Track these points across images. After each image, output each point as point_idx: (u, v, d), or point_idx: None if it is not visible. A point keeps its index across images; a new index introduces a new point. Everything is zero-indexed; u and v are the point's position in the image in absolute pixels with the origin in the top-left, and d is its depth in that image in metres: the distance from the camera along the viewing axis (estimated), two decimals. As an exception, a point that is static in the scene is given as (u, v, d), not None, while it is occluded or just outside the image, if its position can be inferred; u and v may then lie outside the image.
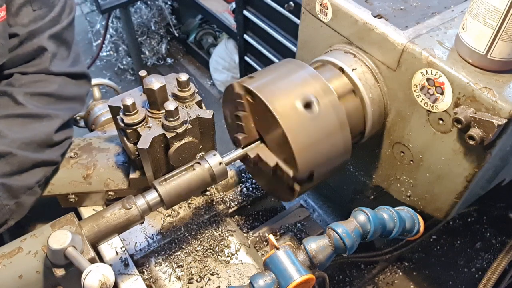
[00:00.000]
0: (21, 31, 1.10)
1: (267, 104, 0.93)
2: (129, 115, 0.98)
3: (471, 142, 0.86)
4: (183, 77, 1.01)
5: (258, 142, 1.05)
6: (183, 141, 1.01)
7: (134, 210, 0.91)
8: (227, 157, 1.01)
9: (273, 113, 0.92)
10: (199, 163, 0.97)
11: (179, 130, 0.98)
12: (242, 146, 1.03)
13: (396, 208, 0.94)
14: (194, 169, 0.97)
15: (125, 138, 1.02)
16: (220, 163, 0.98)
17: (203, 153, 1.04)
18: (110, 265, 1.06)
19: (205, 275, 1.08)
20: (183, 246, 1.13)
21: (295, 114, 0.94)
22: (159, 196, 0.93)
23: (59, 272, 0.80)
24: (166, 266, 1.10)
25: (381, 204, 0.95)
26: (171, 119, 0.96)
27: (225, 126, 1.15)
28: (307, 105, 0.95)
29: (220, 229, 1.17)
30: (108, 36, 4.39)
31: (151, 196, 0.93)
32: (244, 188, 1.34)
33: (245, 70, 3.47)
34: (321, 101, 0.97)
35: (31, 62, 1.15)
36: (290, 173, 0.98)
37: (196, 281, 1.07)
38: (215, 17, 3.62)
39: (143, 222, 0.95)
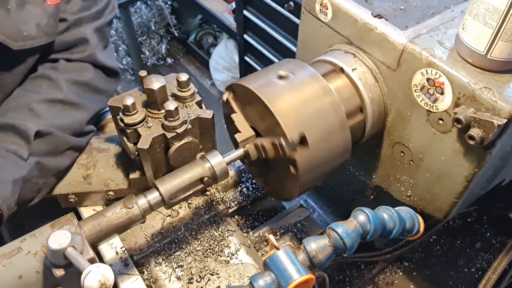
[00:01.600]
0: (69, 17, 1.19)
1: (244, 84, 0.96)
2: (129, 115, 0.98)
3: (471, 142, 0.86)
4: (183, 77, 1.01)
5: (254, 135, 1.05)
6: (183, 141, 1.01)
7: (136, 210, 0.91)
8: (227, 157, 1.01)
9: (250, 88, 0.96)
10: (201, 163, 0.98)
11: (179, 130, 0.98)
12: (239, 143, 1.04)
13: (396, 208, 0.94)
14: (196, 169, 0.97)
15: (125, 138, 1.02)
16: (222, 163, 0.98)
17: (203, 153, 1.04)
18: (110, 265, 1.06)
19: (205, 275, 1.08)
20: (183, 246, 1.13)
21: (272, 85, 0.98)
22: (160, 195, 0.93)
23: (59, 272, 0.80)
24: (166, 266, 1.10)
25: (381, 204, 0.95)
26: (171, 119, 0.96)
27: (225, 126, 1.15)
28: (281, 77, 0.99)
29: (220, 229, 1.17)
30: (108, 36, 4.38)
31: (153, 196, 0.93)
32: (244, 188, 1.34)
33: (245, 70, 3.47)
34: (296, 73, 1.01)
35: (74, 49, 1.22)
36: (282, 141, 0.97)
37: (196, 281, 1.07)
38: (215, 17, 3.62)
39: (144, 222, 0.95)
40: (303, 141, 0.96)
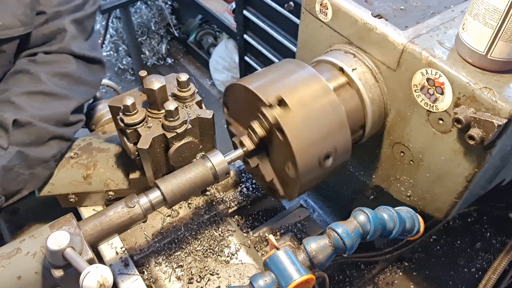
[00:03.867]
0: (48, 10, 1.18)
1: (294, 151, 0.94)
2: (129, 115, 0.98)
3: (471, 142, 0.86)
4: (183, 77, 1.01)
5: (263, 152, 1.06)
6: (183, 141, 1.00)
7: (137, 209, 0.91)
8: (227, 156, 1.01)
9: (296, 159, 0.94)
10: (202, 163, 0.98)
11: (179, 130, 0.98)
12: (236, 142, 1.04)
13: (396, 208, 0.94)
14: (197, 168, 0.97)
15: (125, 138, 1.02)
16: (223, 162, 0.98)
17: (203, 153, 1.04)
18: (110, 265, 1.06)
19: (205, 275, 1.08)
20: (183, 246, 1.13)
21: (313, 166, 0.99)
22: (162, 194, 0.93)
23: (58, 273, 0.80)
24: (166, 266, 1.10)
25: (381, 204, 0.95)
26: (171, 119, 0.96)
27: (225, 126, 1.15)
28: (326, 157, 0.99)
29: (220, 229, 1.17)
30: (108, 36, 4.39)
31: (154, 195, 0.93)
32: (244, 188, 1.34)
33: (245, 70, 3.47)
34: (338, 152, 1.01)
35: (53, 41, 1.22)
36: (281, 193, 1.06)
37: (196, 281, 1.07)
38: (215, 17, 3.62)
39: (145, 221, 0.95)
40: (281, 102, 0.96)
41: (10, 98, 1.12)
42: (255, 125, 1.00)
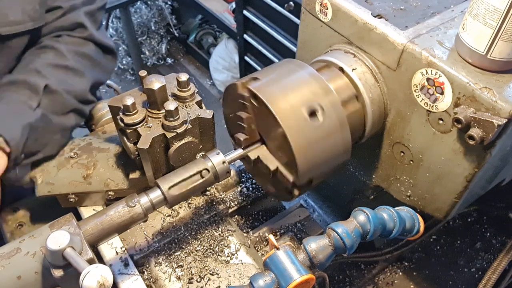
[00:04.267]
0: (64, 4, 1.27)
1: (274, 112, 0.92)
2: (129, 115, 0.98)
3: (471, 142, 0.86)
4: (183, 77, 1.01)
5: (259, 143, 1.05)
6: (183, 141, 1.00)
7: (138, 208, 0.91)
8: (227, 156, 1.01)
9: (279, 121, 0.92)
10: (203, 162, 0.98)
11: (179, 130, 0.98)
12: (243, 146, 1.04)
13: (396, 208, 0.94)
14: (198, 167, 0.97)
15: (125, 138, 1.02)
16: (224, 162, 0.98)
17: (203, 153, 1.04)
18: (110, 265, 1.06)
19: (205, 275, 1.08)
20: (183, 246, 1.13)
21: (300, 122, 0.94)
22: (163, 194, 0.93)
23: (58, 273, 0.80)
24: (166, 266, 1.10)
25: (381, 204, 0.95)
26: (171, 119, 0.96)
27: (225, 126, 1.15)
28: (312, 114, 0.96)
29: (220, 229, 1.17)
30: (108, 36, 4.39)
31: (155, 195, 0.93)
32: (244, 188, 1.34)
33: (245, 70, 3.47)
34: (326, 109, 0.96)
35: (74, 32, 1.31)
36: (290, 178, 0.99)
37: (196, 281, 1.07)
38: (215, 17, 3.62)
39: (146, 221, 0.95)
40: (309, 182, 0.98)
41: (37, 68, 1.20)
42: (240, 113, 1.01)
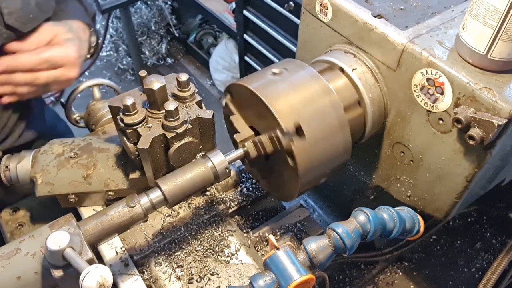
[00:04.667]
0: None
1: (242, 83, 0.97)
2: (129, 115, 0.97)
3: (471, 142, 0.86)
4: (183, 77, 1.01)
5: (253, 135, 1.05)
6: (183, 141, 1.00)
7: (138, 208, 0.91)
8: (227, 156, 1.01)
9: (248, 87, 0.96)
10: (203, 162, 0.98)
11: (179, 130, 0.97)
12: (238, 143, 1.04)
13: (396, 208, 0.94)
14: (198, 169, 0.97)
15: (125, 138, 1.02)
16: (224, 162, 0.98)
17: (203, 153, 1.04)
18: (110, 265, 1.06)
19: (205, 275, 1.08)
20: (183, 246, 1.13)
21: (266, 81, 0.99)
22: (163, 194, 0.93)
23: (58, 273, 0.80)
24: (166, 266, 1.10)
25: (381, 204, 0.95)
26: (171, 119, 0.96)
27: (225, 126, 1.15)
28: (275, 74, 1.00)
29: (220, 229, 1.17)
30: (108, 36, 4.39)
31: (155, 195, 0.93)
32: (244, 188, 1.34)
33: (245, 70, 3.47)
34: (290, 69, 1.02)
35: None
36: (278, 132, 0.96)
37: (196, 281, 1.07)
38: (215, 17, 3.62)
39: (146, 221, 0.95)
40: (299, 131, 0.96)
41: None
42: (265, 141, 1.00)
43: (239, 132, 1.05)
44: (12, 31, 1.18)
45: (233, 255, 1.12)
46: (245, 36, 3.18)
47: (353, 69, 1.05)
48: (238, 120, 1.06)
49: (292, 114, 0.96)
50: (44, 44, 1.23)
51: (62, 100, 1.49)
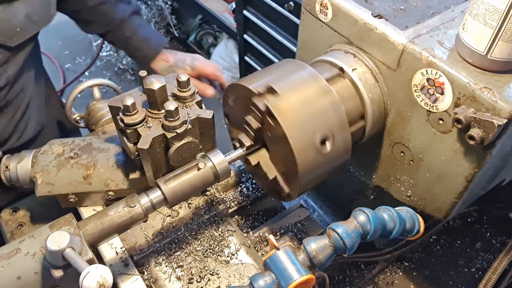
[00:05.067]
0: None
1: (291, 143, 0.93)
2: (129, 115, 0.97)
3: (471, 142, 0.86)
4: (183, 77, 1.01)
5: (262, 149, 1.05)
6: (183, 141, 1.00)
7: (138, 208, 0.91)
8: (228, 156, 1.01)
9: (294, 151, 0.93)
10: (203, 162, 0.98)
11: (179, 130, 0.97)
12: (245, 149, 1.04)
13: (396, 208, 0.94)
14: (198, 168, 0.97)
15: (125, 138, 1.02)
16: (224, 162, 0.98)
17: (203, 153, 1.04)
18: (110, 265, 1.06)
19: (205, 275, 1.08)
20: (183, 246, 1.13)
21: (311, 151, 0.96)
22: (163, 194, 0.93)
23: (58, 273, 0.80)
24: (166, 266, 1.10)
25: (381, 204, 0.95)
26: (171, 119, 0.96)
27: (225, 126, 1.15)
28: (323, 141, 0.98)
29: (220, 229, 1.17)
30: (108, 36, 4.38)
31: (155, 195, 0.93)
32: (244, 188, 1.34)
33: (245, 70, 3.46)
34: (336, 136, 0.99)
35: None
36: (286, 190, 1.03)
37: (196, 281, 1.07)
38: (215, 17, 3.62)
39: (146, 221, 0.95)
40: (270, 90, 0.96)
41: None
42: (249, 119, 1.01)
43: (250, 138, 1.05)
44: None
45: (233, 255, 1.12)
46: (245, 36, 3.18)
47: (353, 69, 1.05)
48: (257, 130, 1.03)
49: (307, 188, 1.02)
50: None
51: (62, 99, 1.49)
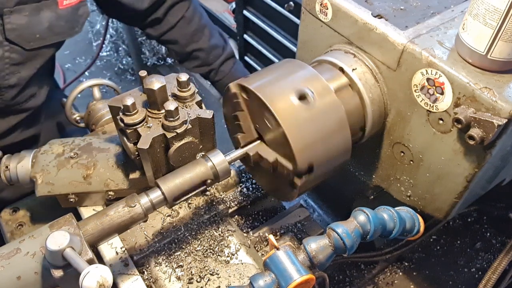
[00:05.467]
0: None
1: (260, 96, 0.94)
2: (129, 115, 0.97)
3: (471, 142, 0.86)
4: (183, 77, 1.01)
5: (258, 141, 1.05)
6: (183, 141, 1.00)
7: (138, 208, 0.91)
8: (228, 156, 1.01)
9: (268, 106, 0.93)
10: (203, 162, 0.98)
11: (179, 130, 0.97)
12: (241, 145, 1.04)
13: (396, 208, 0.94)
14: (198, 168, 0.97)
15: (125, 138, 1.02)
16: (224, 162, 0.98)
17: (203, 153, 1.04)
18: (110, 265, 1.06)
19: (205, 275, 1.08)
20: (183, 246, 1.13)
21: (291, 107, 0.95)
22: (163, 194, 0.93)
23: (57, 273, 0.80)
24: (166, 266, 1.10)
25: (381, 204, 0.95)
26: (171, 119, 0.96)
27: (225, 126, 1.15)
28: (302, 97, 0.96)
29: (220, 229, 1.17)
30: (108, 36, 4.39)
31: (155, 195, 0.93)
32: (244, 188, 1.34)
33: (245, 70, 3.46)
34: (316, 92, 0.97)
35: None
36: (290, 166, 0.98)
37: (196, 281, 1.07)
38: (215, 17, 3.62)
39: (146, 221, 0.95)
40: (310, 169, 0.97)
41: None
42: (237, 113, 1.04)
43: (242, 131, 1.04)
44: (14, 45, 1.25)
45: (233, 255, 1.12)
46: (245, 36, 3.18)
47: (353, 69, 1.05)
48: (245, 118, 1.04)
49: (308, 152, 0.96)
50: None
51: (62, 99, 1.49)
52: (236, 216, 1.33)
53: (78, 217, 1.10)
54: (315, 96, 0.96)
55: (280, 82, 0.99)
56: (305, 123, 0.95)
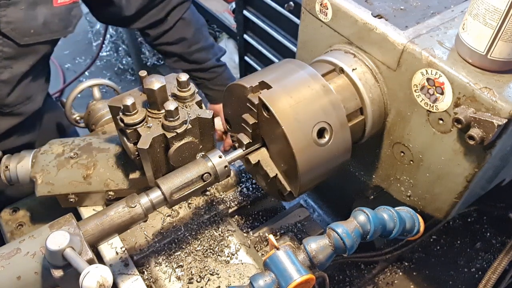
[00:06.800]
0: None
1: (286, 133, 0.93)
2: (129, 115, 0.97)
3: (471, 142, 0.86)
4: (183, 77, 1.01)
5: (262, 148, 1.05)
6: (183, 141, 1.00)
7: (138, 209, 0.91)
8: (228, 156, 1.01)
9: (290, 143, 0.93)
10: (203, 162, 0.98)
11: (179, 130, 0.97)
12: (244, 147, 1.04)
13: (396, 208, 0.94)
14: (198, 168, 0.97)
15: (125, 138, 1.02)
16: (223, 162, 0.98)
17: (203, 153, 1.04)
18: (110, 265, 1.06)
19: (205, 275, 1.08)
20: (183, 246, 1.13)
21: (308, 144, 0.96)
22: (163, 194, 0.93)
23: (57, 273, 0.80)
24: (166, 266, 1.10)
25: (381, 204, 0.95)
26: (171, 119, 0.96)
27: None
28: (320, 133, 0.97)
29: (220, 229, 1.17)
30: (108, 36, 4.39)
31: (155, 195, 0.93)
32: (244, 188, 1.34)
33: (245, 70, 3.46)
34: (334, 127, 0.98)
35: None
36: (288, 188, 1.03)
37: (196, 281, 1.07)
38: (215, 17, 3.62)
39: (146, 221, 0.95)
40: (263, 84, 0.97)
41: None
42: (246, 116, 1.02)
43: (248, 136, 1.05)
44: (8, 40, 1.25)
45: (233, 255, 1.12)
46: (245, 36, 3.18)
47: (353, 69, 1.05)
48: (254, 126, 1.04)
49: (309, 185, 1.01)
50: None
51: (62, 99, 1.49)
52: (236, 216, 1.33)
53: (78, 217, 1.10)
54: (333, 132, 0.98)
55: (302, 109, 0.96)
56: (318, 163, 0.99)
